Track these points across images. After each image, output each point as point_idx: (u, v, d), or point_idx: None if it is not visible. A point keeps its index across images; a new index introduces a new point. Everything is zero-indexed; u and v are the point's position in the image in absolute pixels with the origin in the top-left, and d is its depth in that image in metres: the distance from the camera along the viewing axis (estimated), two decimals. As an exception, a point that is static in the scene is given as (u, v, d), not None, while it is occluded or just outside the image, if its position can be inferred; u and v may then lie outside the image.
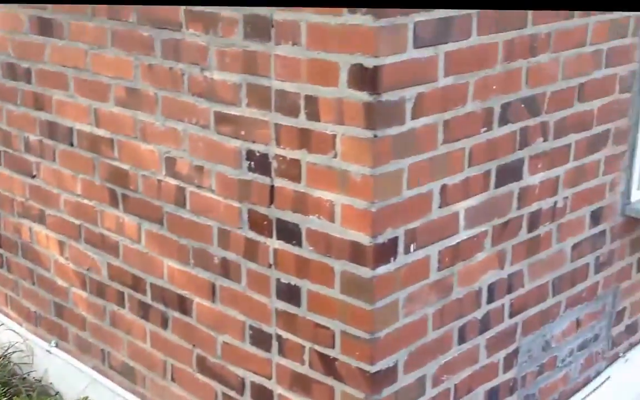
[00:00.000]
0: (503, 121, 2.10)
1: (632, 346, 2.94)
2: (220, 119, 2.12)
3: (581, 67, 2.28)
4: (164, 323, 2.50)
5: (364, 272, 1.90)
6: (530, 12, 2.05)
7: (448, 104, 1.93)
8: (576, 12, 2.19)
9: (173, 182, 2.32)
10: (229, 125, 2.10)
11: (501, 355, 2.36)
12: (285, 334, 2.13)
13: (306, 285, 2.05)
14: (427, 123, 1.90)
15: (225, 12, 2.01)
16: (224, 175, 2.16)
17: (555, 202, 2.38)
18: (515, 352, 2.41)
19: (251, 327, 2.22)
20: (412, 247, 1.98)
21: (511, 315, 2.36)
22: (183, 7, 2.12)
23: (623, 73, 2.44)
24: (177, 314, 2.45)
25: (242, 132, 2.07)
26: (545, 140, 2.26)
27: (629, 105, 2.51)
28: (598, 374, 2.80)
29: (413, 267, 2.00)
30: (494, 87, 2.03)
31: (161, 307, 2.50)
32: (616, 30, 2.35)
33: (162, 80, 2.26)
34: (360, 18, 1.72)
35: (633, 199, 2.66)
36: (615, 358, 2.88)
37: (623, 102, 2.48)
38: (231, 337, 2.28)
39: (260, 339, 2.20)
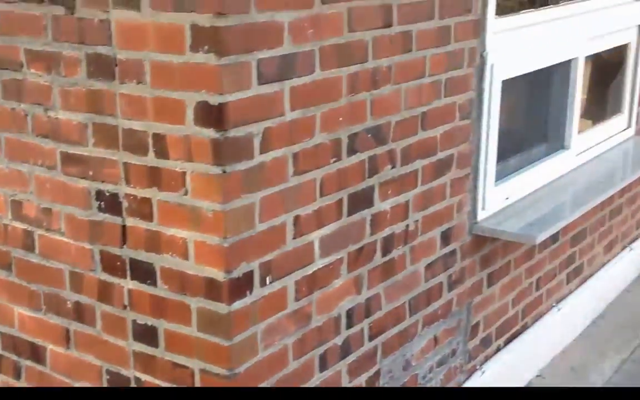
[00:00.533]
0: (351, 151, 2.18)
1: (487, 358, 3.10)
2: (67, 159, 2.06)
3: (422, 97, 2.40)
4: (17, 373, 2.38)
5: (220, 308, 1.90)
6: (371, 47, 2.14)
7: (296, 137, 1.98)
8: (415, 46, 2.31)
9: (20, 225, 2.23)
10: (77, 166, 2.05)
11: (363, 378, 2.42)
12: (143, 376, 2.08)
13: (163, 325, 2.02)
14: (276, 156, 1.93)
15: (67, 51, 1.97)
16: (73, 217, 2.09)
17: (407, 226, 2.49)
18: (377, 374, 2.48)
19: (108, 372, 2.16)
20: (268, 280, 2.00)
21: (371, 338, 2.43)
22: (23, 47, 2.05)
23: (461, 101, 2.59)
24: (29, 363, 2.34)
25: (90, 172, 2.02)
26: (393, 167, 2.36)
27: (470, 131, 2.67)
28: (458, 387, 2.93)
29: (270, 299, 2.02)
30: (340, 119, 2.10)
31: (13, 356, 2.38)
32: (452, 62, 2.49)
33: (5, 122, 2.17)
34: (203, 56, 1.73)
35: (479, 218, 2.82)
36: (472, 371, 3.02)
37: (464, 128, 2.64)
38: (88, 383, 2.21)
39: (119, 383, 2.14)
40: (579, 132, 3.42)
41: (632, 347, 3.60)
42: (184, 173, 1.86)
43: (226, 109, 1.75)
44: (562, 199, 3.19)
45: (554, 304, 3.49)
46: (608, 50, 3.60)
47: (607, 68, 3.82)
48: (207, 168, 1.81)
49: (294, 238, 2.05)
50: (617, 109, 3.77)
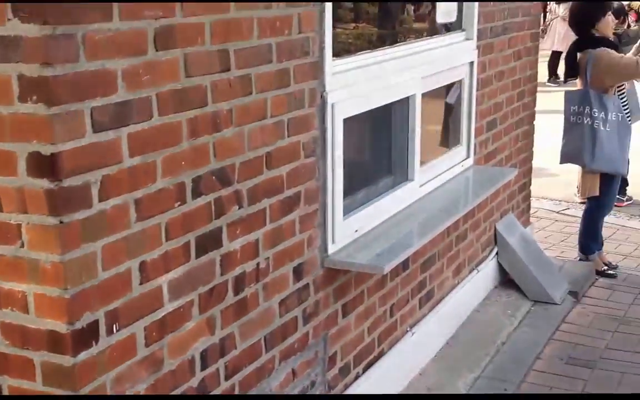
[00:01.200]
0: (196, 194, 2.21)
1: (347, 386, 3.19)
2: None
3: (265, 137, 2.48)
4: None
5: (65, 360, 1.86)
6: (210, 91, 2.20)
7: (137, 183, 1.99)
8: (255, 89, 2.39)
9: None
10: None
11: (220, 418, 2.43)
12: (-14, 440, 1.99)
13: (6, 382, 1.95)
14: (117, 204, 1.93)
15: None
16: None
17: (258, 264, 2.54)
18: (236, 412, 2.50)
19: (-53, 440, 2.04)
20: (115, 328, 1.98)
21: (227, 378, 2.45)
22: None
23: (305, 140, 2.69)
24: None
25: None
26: (240, 207, 2.41)
27: (315, 168, 2.78)
28: (318, 418, 2.99)
29: (118, 348, 1.99)
30: (183, 162, 2.13)
31: None
32: (294, 103, 2.60)
33: None
34: (33, 107, 1.72)
35: (330, 251, 2.92)
36: (333, 400, 3.10)
37: (309, 166, 2.74)
38: None
39: (-41, 451, 2.03)
40: (423, 163, 3.63)
41: (483, 365, 3.82)
42: (19, 225, 1.82)
43: (59, 159, 1.74)
44: (409, 228, 3.36)
45: (408, 329, 3.64)
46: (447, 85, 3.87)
47: (449, 101, 4.08)
48: (43, 219, 1.78)
49: (141, 283, 2.05)
50: (456, 141, 4.03)
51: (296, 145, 2.65)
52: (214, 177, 2.27)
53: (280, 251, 2.65)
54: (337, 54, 2.83)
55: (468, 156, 4.07)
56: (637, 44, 5.04)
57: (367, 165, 3.52)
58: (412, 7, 3.84)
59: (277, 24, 2.46)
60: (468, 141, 4.05)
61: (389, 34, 3.66)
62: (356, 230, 3.09)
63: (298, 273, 2.77)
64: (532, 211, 6.32)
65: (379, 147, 3.56)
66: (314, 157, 2.76)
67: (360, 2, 3.51)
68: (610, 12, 4.98)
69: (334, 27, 2.75)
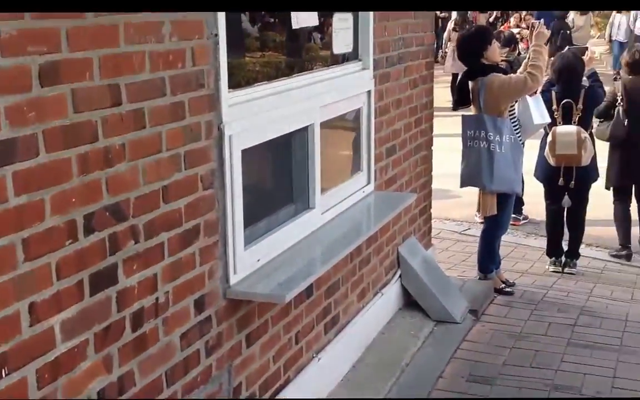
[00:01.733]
0: (89, 231, 2.17)
1: (254, 416, 3.18)
2: None
3: (161, 171, 2.46)
4: None
5: (-52, 410, 1.79)
6: (101, 127, 2.17)
7: (24, 222, 1.94)
8: (148, 122, 2.38)
9: None
10: None
11: (121, 458, 2.37)
12: None
13: None
14: (2, 244, 1.87)
15: None
16: None
17: (157, 298, 2.51)
18: (137, 451, 2.45)
19: None
20: (4, 372, 1.91)
21: (127, 416, 2.40)
22: None
23: (203, 172, 2.69)
24: None
25: None
26: (136, 242, 2.38)
27: (214, 200, 2.78)
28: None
29: (9, 392, 1.93)
30: (74, 200, 2.10)
31: None
32: (190, 136, 2.59)
33: None
34: None
35: (232, 282, 2.92)
36: (239, 431, 3.08)
37: (208, 198, 2.74)
38: None
39: None
40: (324, 190, 3.69)
41: (388, 386, 3.88)
42: None
43: (-62, 201, 1.68)
44: (312, 256, 3.40)
45: (314, 355, 3.67)
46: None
47: (349, 129, 4.16)
48: None
49: (31, 325, 1.99)
50: (357, 167, 4.12)
51: (194, 178, 2.65)
52: (107, 213, 2.24)
53: (180, 284, 2.63)
54: (237, 84, 2.85)
55: (369, 182, 4.16)
56: (525, 61, 5.30)
57: (268, 194, 3.55)
58: (319, 35, 3.91)
59: (170, 58, 2.46)
60: (368, 168, 4.14)
61: (295, 62, 3.72)
62: (258, 260, 3.10)
63: (199, 305, 2.75)
64: (435, 232, 6.53)
65: (280, 176, 3.59)
66: (213, 189, 2.77)
67: (267, 31, 3.56)
68: (495, 40, 5.24)
69: (240, 56, 2.77)
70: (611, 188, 6.51)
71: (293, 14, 3.30)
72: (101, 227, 2.22)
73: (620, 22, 15.14)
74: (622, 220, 6.44)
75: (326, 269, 3.41)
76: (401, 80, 4.46)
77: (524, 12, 15.67)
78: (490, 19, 19.01)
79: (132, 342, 2.40)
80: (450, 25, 20.00)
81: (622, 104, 6.18)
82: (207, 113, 2.69)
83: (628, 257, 6.42)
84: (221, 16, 2.68)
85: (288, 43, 3.63)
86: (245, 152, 2.93)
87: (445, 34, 16.00)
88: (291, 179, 3.54)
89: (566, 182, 5.79)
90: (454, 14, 22.39)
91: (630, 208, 6.50)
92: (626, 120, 6.14)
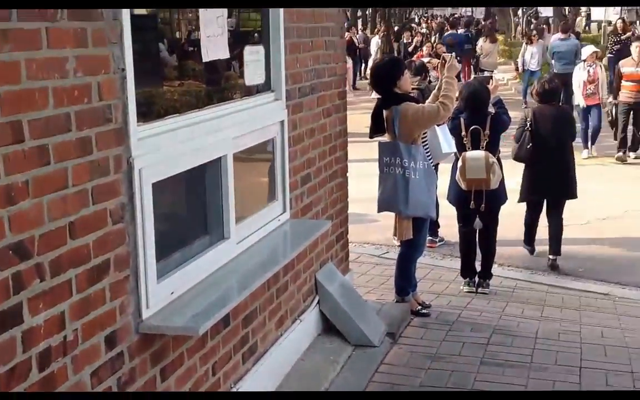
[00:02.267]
0: (-9, 270, 2.13)
1: (170, 451, 3.14)
2: None
3: (68, 207, 2.44)
4: None
5: None
6: (2, 164, 2.14)
7: None
8: (53, 159, 2.35)
9: None
10: None
11: None
12: None
13: None
14: None
15: None
16: None
17: (65, 337, 2.47)
18: None
19: None
20: None
21: (34, 460, 2.34)
22: None
23: (112, 207, 2.67)
24: None
25: None
26: (42, 280, 2.34)
27: (125, 234, 2.76)
28: None
29: None
30: (-26, 239, 2.05)
31: None
32: (98, 171, 2.58)
33: None
34: None
35: (145, 316, 2.89)
36: None
37: (118, 232, 2.72)
38: None
39: None
40: (240, 220, 3.71)
41: (309, 412, 3.92)
42: None
43: None
44: (227, 286, 3.40)
45: (232, 386, 3.66)
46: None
47: (264, 159, 4.20)
48: None
49: None
50: (272, 196, 4.16)
51: (102, 213, 2.63)
52: (10, 252, 2.20)
53: (89, 321, 2.59)
54: (151, 116, 2.84)
55: (284, 211, 4.20)
56: (434, 92, 5.49)
57: (182, 226, 3.54)
58: (238, 64, 3.95)
59: (76, 93, 2.45)
60: (283, 196, 4.19)
61: (214, 90, 3.74)
62: (172, 293, 3.09)
63: (111, 342, 2.71)
64: (355, 256, 6.63)
65: (193, 207, 3.59)
66: (123, 223, 2.75)
67: (186, 60, 3.57)
68: (407, 70, 5.41)
69: (158, 85, 2.77)
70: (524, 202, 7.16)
71: (203, 47, 3.33)
72: (4, 266, 2.18)
73: (533, 52, 15.89)
74: (528, 226, 7.25)
75: (242, 298, 3.43)
76: (314, 110, 4.54)
77: (436, 43, 16.33)
78: (410, 49, 19.64)
79: (39, 383, 2.35)
80: (377, 54, 20.54)
81: (529, 128, 6.76)
82: (116, 147, 2.67)
83: (531, 252, 7.32)
84: (128, 51, 2.68)
85: (206, 72, 3.65)
86: (156, 185, 2.93)
87: (371, 62, 16.48)
88: (205, 210, 3.55)
89: (477, 205, 6.00)
90: (379, 42, 23.01)
91: (539, 219, 7.21)
92: (530, 143, 6.74)
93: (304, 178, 4.45)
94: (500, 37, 30.67)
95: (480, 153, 5.89)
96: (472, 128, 5.95)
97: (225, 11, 3.48)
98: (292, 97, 4.20)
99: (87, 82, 2.50)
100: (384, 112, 5.18)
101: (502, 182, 6.01)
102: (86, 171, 2.52)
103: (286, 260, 4.02)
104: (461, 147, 5.93)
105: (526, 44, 16.45)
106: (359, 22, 35.10)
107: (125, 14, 2.67)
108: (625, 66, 11.47)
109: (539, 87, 7.04)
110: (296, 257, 4.28)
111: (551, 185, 6.83)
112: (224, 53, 3.50)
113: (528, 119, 6.81)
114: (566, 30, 15.28)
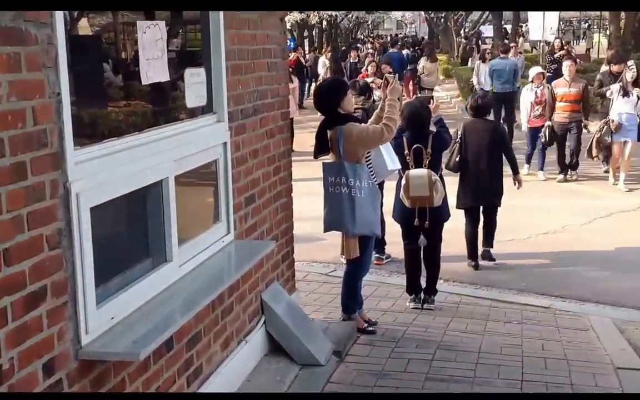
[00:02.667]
0: None
1: None
2: None
3: (2, 234, 2.40)
4: None
5: None
6: None
7: None
8: (-14, 185, 2.32)
9: None
10: None
11: None
12: None
13: None
14: None
15: None
16: None
17: (1, 366, 2.42)
18: None
19: None
20: None
21: None
22: None
23: (49, 232, 2.64)
24: None
25: None
26: (-25, 309, 2.30)
27: (62, 259, 2.73)
28: None
29: None
30: None
31: None
32: (33, 196, 2.55)
33: None
34: None
35: (84, 342, 2.86)
36: None
37: (55, 258, 2.68)
38: None
39: None
40: (182, 242, 3.69)
41: (254, 434, 3.90)
42: None
43: None
44: (170, 309, 3.38)
45: (176, 410, 3.63)
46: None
47: (208, 180, 4.20)
48: None
49: None
50: (216, 218, 4.16)
51: (38, 239, 2.59)
52: (-59, 281, 2.15)
53: (26, 349, 2.55)
54: (90, 139, 2.82)
55: (228, 232, 4.20)
56: (376, 111, 5.57)
57: (122, 250, 3.50)
58: (185, 85, 3.93)
59: (9, 118, 2.42)
60: (227, 217, 4.19)
61: (159, 111, 3.72)
62: (112, 318, 3.05)
63: (49, 369, 2.67)
64: (302, 275, 6.65)
65: (134, 231, 3.57)
66: (60, 248, 2.71)
67: (131, 80, 3.54)
68: (349, 90, 5.48)
69: (102, 107, 2.75)
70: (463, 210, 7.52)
71: (142, 70, 3.33)
72: None
73: (485, 71, 15.87)
74: (469, 241, 7.54)
75: (185, 320, 3.41)
76: (258, 130, 4.57)
77: (381, 63, 16.58)
78: (358, 66, 19.91)
79: (-28, 414, 2.30)
80: (326, 73, 20.75)
81: (458, 140, 7.30)
82: (52, 172, 2.65)
83: (475, 267, 7.54)
84: (64, 75, 2.66)
85: (152, 93, 3.63)
86: (95, 209, 2.90)
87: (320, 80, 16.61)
88: (146, 233, 3.53)
89: (421, 222, 6.10)
90: (326, 62, 23.23)
91: (478, 228, 7.56)
92: (458, 155, 7.28)
93: (248, 199, 4.46)
94: (443, 57, 31.32)
95: (423, 171, 5.99)
96: (414, 147, 6.06)
97: (164, 34, 3.48)
98: (235, 118, 4.21)
99: (22, 106, 2.48)
100: (328, 133, 5.23)
101: (445, 200, 6.12)
102: (21, 197, 2.49)
103: (230, 281, 4.01)
104: (404, 166, 6.03)
105: (482, 62, 16.48)
106: (306, 42, 35.33)
107: (61, 38, 2.66)
108: (558, 86, 11.30)
109: (472, 102, 7.56)
110: (241, 277, 4.28)
111: (481, 192, 7.35)
112: (164, 76, 3.49)
113: (459, 133, 7.33)
114: (506, 51, 15.58)
